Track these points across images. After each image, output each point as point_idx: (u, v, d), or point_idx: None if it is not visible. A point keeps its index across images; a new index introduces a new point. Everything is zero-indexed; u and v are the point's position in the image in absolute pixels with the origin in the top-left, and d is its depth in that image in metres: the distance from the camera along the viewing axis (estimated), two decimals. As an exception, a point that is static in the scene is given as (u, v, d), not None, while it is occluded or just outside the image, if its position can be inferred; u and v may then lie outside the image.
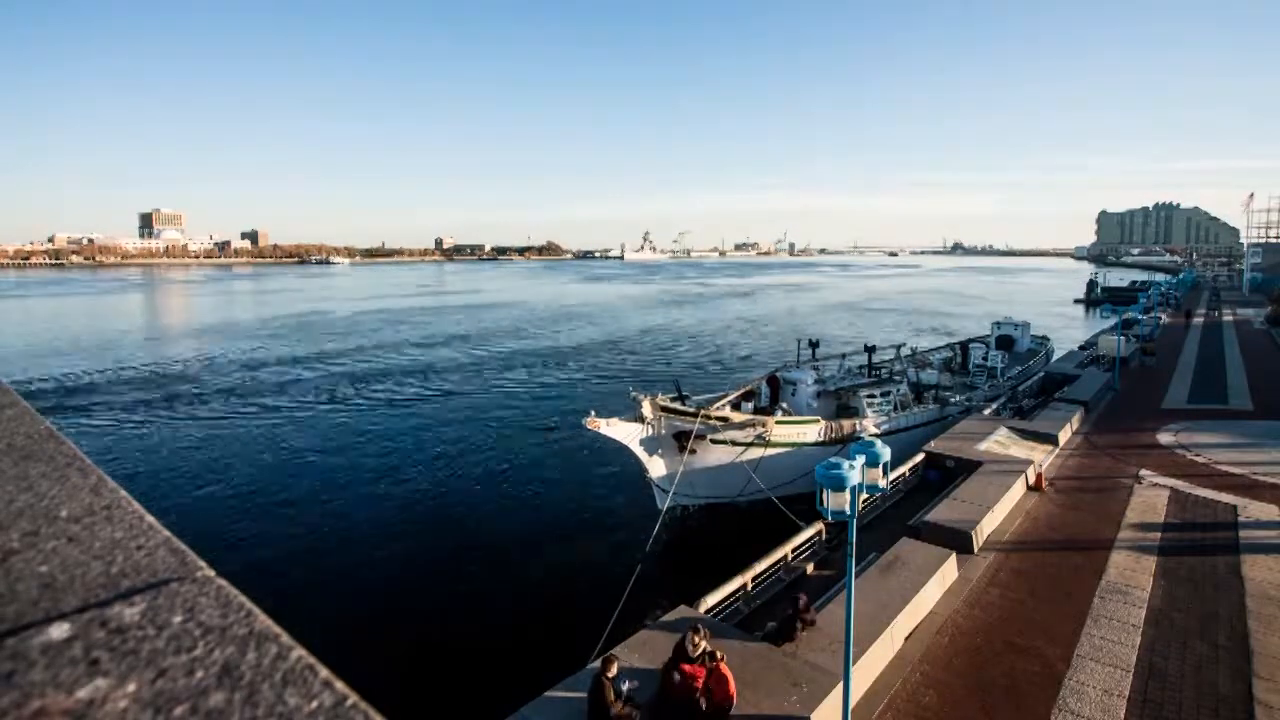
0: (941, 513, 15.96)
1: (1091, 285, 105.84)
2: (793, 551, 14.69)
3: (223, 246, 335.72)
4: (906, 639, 11.54)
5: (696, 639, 9.63)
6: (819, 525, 15.10)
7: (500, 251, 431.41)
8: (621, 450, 19.56)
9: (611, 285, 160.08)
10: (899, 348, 33.13)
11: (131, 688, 0.79)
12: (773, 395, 24.60)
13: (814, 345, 27.57)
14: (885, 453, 8.70)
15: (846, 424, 22.40)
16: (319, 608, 16.31)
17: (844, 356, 30.76)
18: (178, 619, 0.93)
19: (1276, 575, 13.49)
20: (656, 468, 19.44)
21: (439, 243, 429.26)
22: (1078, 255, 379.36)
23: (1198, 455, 21.29)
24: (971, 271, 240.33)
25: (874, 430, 22.63)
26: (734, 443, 20.08)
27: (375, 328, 74.48)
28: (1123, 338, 33.17)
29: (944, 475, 19.45)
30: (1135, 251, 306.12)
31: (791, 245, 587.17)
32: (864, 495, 8.75)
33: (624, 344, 62.24)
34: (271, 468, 26.35)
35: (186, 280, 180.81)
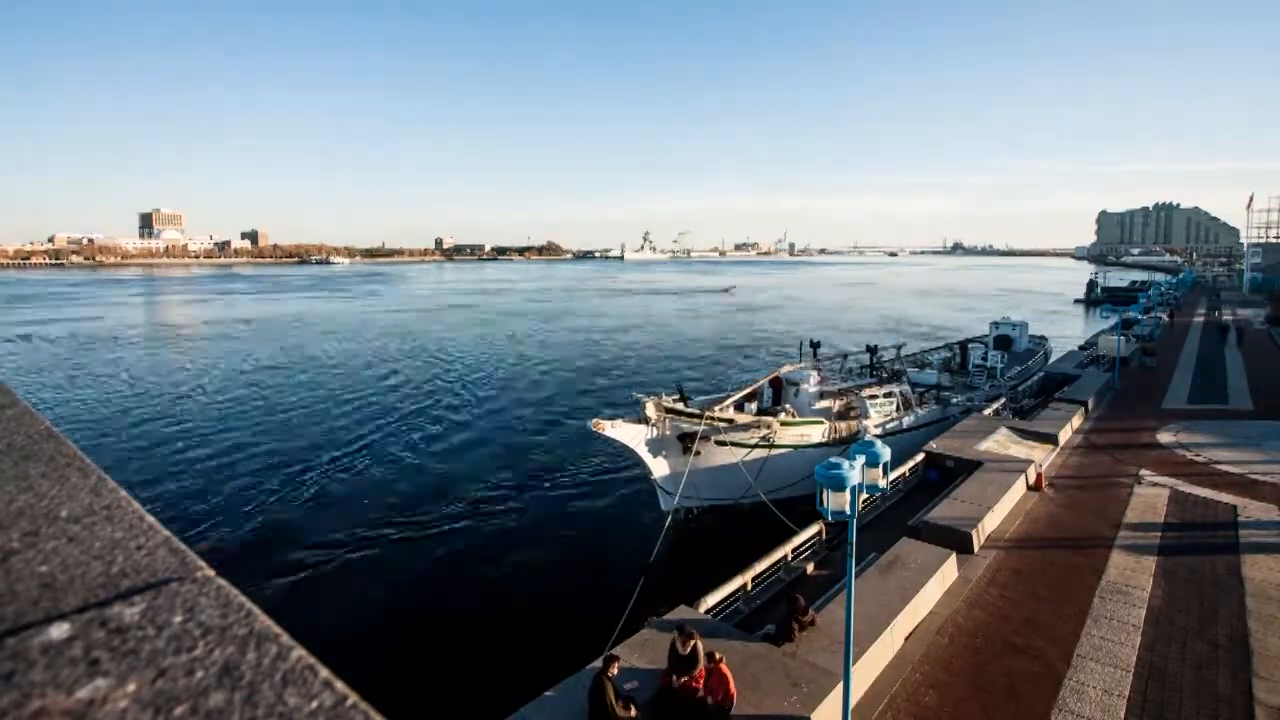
0: (941, 513, 15.96)
1: (1091, 285, 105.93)
2: (793, 551, 14.70)
3: (223, 246, 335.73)
4: (906, 639, 11.54)
5: (685, 640, 9.67)
6: (819, 525, 15.09)
7: (500, 251, 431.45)
8: (626, 451, 19.53)
9: (732, 277, 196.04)
10: (899, 348, 33.15)
11: (131, 688, 0.79)
12: (775, 396, 24.59)
13: (815, 346, 27.57)
14: (885, 453, 8.70)
15: (850, 424, 22.40)
16: (320, 608, 16.31)
17: (845, 357, 30.78)
18: (178, 619, 0.92)
19: (1276, 575, 13.49)
20: (660, 469, 19.41)
21: (439, 243, 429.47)
22: (1078, 255, 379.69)
23: (1198, 455, 21.29)
24: (987, 269, 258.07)
25: (876, 431, 22.63)
26: (738, 444, 20.05)
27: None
28: (1123, 338, 33.18)
29: (944, 475, 19.45)
30: (1135, 251, 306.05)
31: (791, 245, 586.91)
32: (864, 495, 8.75)
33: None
34: (272, 465, 26.35)
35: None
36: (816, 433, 21.39)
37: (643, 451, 19.01)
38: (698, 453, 19.20)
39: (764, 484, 19.68)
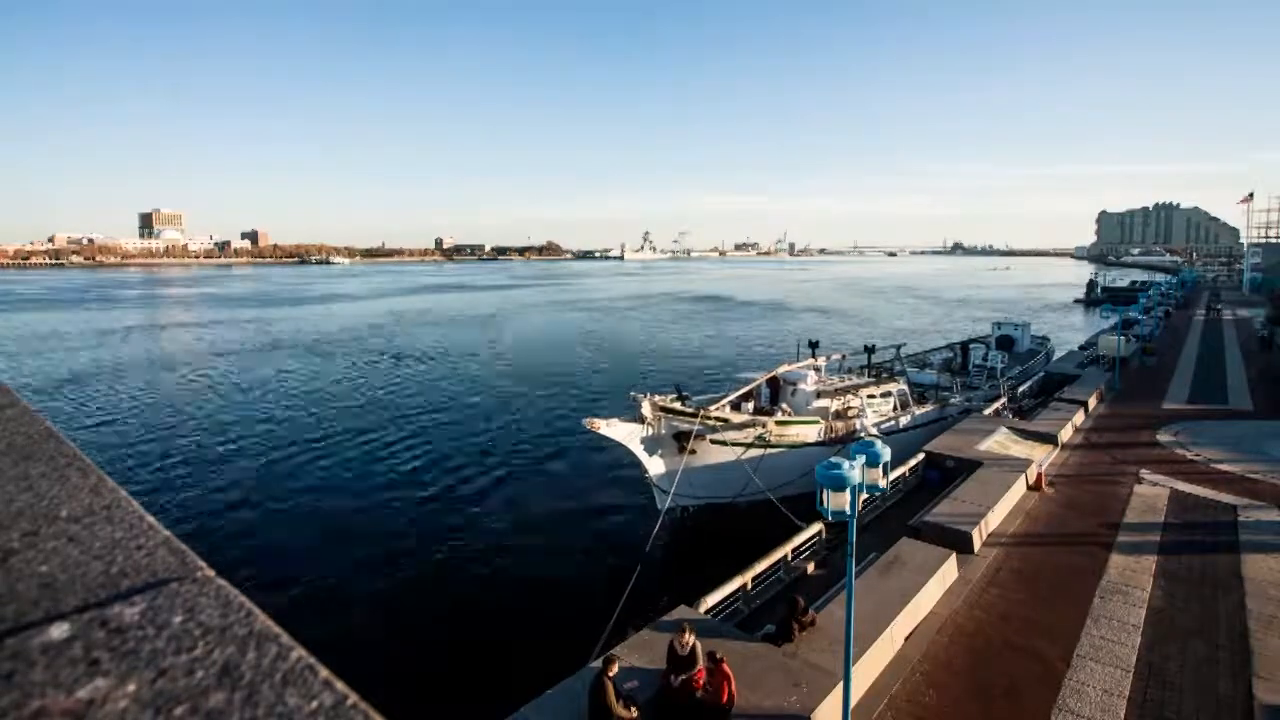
0: (941, 513, 15.95)
1: (1091, 285, 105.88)
2: (793, 551, 14.69)
3: (223, 246, 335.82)
4: (906, 639, 11.54)
5: (684, 639, 9.67)
6: (819, 525, 15.08)
7: (500, 251, 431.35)
8: (622, 450, 19.55)
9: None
10: (899, 348, 33.13)
11: (131, 688, 0.79)
12: (773, 395, 24.58)
13: (814, 345, 27.52)
14: (885, 453, 8.69)
15: (847, 424, 22.39)
16: (319, 607, 16.30)
17: (844, 356, 30.73)
18: (178, 619, 0.92)
19: (1276, 575, 13.49)
20: (656, 468, 19.43)
21: (439, 243, 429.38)
22: (1078, 255, 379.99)
23: (1198, 455, 21.29)
24: (997, 269, 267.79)
25: (874, 430, 22.62)
26: (734, 443, 20.08)
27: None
28: (1123, 338, 33.17)
29: (944, 475, 19.44)
30: (1135, 251, 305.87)
31: (791, 245, 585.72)
32: (864, 495, 8.75)
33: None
34: (270, 464, 26.35)
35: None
36: (812, 432, 21.41)
37: (638, 450, 19.06)
38: (693, 451, 19.23)
39: (760, 483, 19.69)
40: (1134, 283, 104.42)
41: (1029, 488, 18.32)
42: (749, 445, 20.20)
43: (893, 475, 18.06)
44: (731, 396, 21.82)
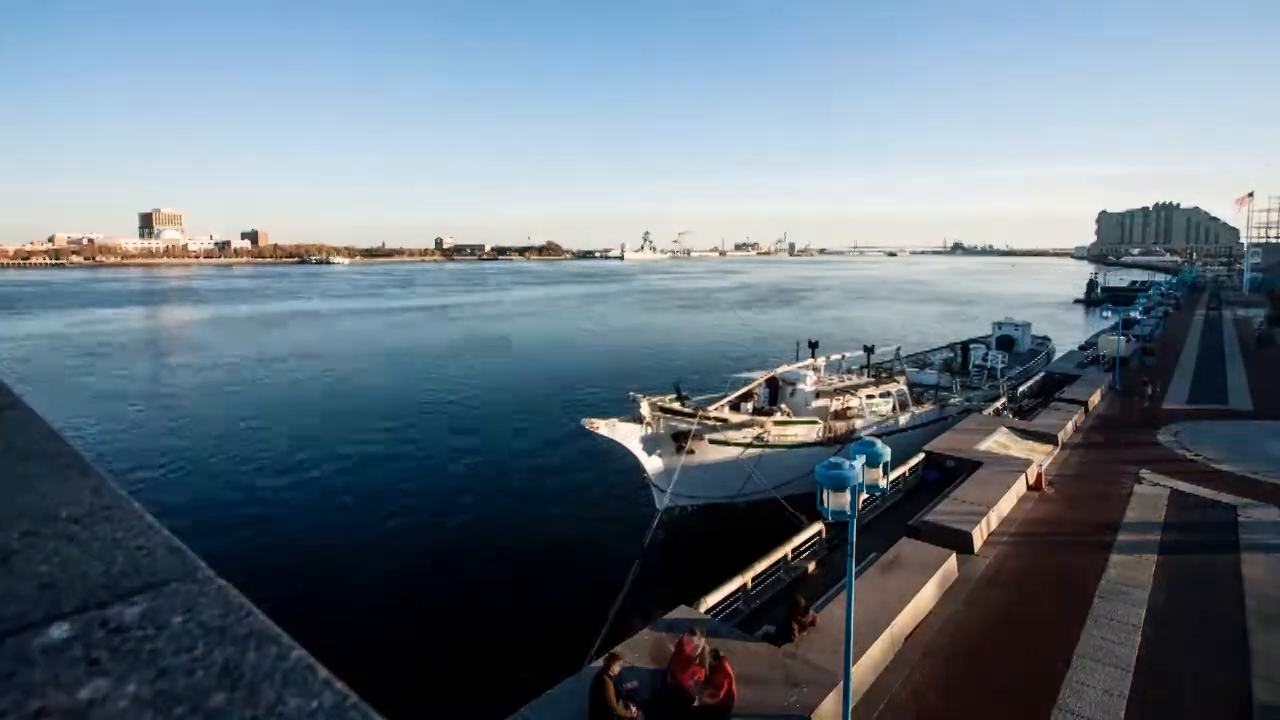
0: (941, 513, 15.95)
1: (1091, 285, 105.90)
2: (793, 551, 14.69)
3: (223, 246, 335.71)
4: (906, 639, 11.54)
5: (694, 641, 9.66)
6: (819, 525, 15.09)
7: (500, 251, 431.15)
8: (620, 450, 19.57)
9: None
10: (899, 348, 33.14)
11: (131, 688, 0.79)
12: (772, 395, 24.59)
13: (813, 345, 27.51)
14: (885, 453, 8.68)
15: (846, 424, 22.40)
16: (319, 608, 16.29)
17: (844, 356, 30.72)
18: (178, 619, 0.92)
19: (1276, 575, 13.48)
20: (654, 467, 19.47)
21: (439, 243, 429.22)
22: (1078, 255, 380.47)
23: (1197, 455, 21.28)
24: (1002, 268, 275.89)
25: (872, 431, 22.62)
26: (732, 443, 20.13)
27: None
28: (1123, 338, 33.16)
29: (944, 475, 19.44)
30: (1135, 251, 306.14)
31: (791, 245, 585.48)
32: (864, 495, 8.74)
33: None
34: (268, 463, 26.34)
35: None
36: (811, 432, 21.44)
37: (637, 450, 19.12)
38: (691, 451, 19.27)
39: (758, 483, 19.71)
40: (1134, 283, 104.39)
41: (1029, 488, 18.31)
42: (747, 446, 20.24)
43: (893, 475, 18.05)
44: (731, 396, 21.83)
